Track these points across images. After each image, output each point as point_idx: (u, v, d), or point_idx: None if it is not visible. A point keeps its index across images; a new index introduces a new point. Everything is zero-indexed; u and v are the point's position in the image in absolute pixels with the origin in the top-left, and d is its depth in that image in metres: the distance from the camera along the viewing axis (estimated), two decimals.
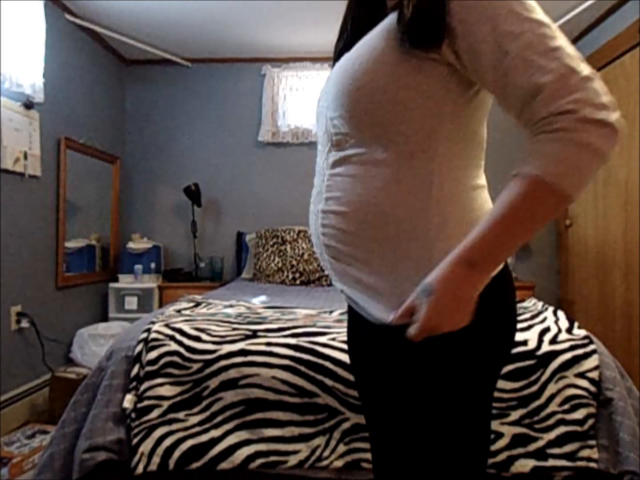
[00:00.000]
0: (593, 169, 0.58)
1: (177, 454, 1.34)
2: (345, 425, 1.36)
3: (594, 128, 0.56)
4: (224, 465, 1.33)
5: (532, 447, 1.33)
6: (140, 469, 1.32)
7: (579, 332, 1.50)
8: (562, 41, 0.61)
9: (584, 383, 1.37)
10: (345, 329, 1.37)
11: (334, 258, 0.75)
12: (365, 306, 0.73)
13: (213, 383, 1.38)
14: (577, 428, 1.34)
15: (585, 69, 0.60)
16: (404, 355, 0.67)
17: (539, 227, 0.61)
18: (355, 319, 0.80)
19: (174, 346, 1.44)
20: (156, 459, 1.33)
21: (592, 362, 1.40)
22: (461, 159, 0.70)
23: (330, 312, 1.87)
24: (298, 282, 3.05)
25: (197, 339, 1.47)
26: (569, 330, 1.51)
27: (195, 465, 1.33)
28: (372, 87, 0.67)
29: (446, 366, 0.66)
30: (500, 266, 0.68)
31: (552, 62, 0.59)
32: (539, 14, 0.61)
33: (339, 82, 0.72)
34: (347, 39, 0.83)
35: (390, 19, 0.69)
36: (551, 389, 1.37)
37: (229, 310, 1.86)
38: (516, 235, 0.60)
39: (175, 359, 1.42)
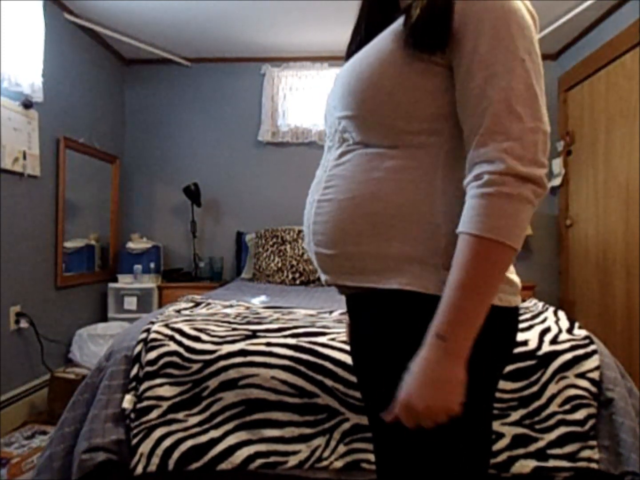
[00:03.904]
0: (528, 218, 0.61)
1: (176, 454, 1.33)
2: (345, 425, 1.35)
3: (520, 182, 0.59)
4: (224, 465, 1.33)
5: (533, 447, 1.33)
6: (139, 469, 1.32)
7: (580, 333, 1.50)
8: (522, 82, 0.61)
9: (584, 383, 1.37)
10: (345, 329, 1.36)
11: (320, 245, 0.75)
12: (348, 283, 0.74)
13: (213, 383, 1.38)
14: (578, 428, 1.34)
15: (529, 119, 0.60)
16: (403, 351, 0.67)
17: (497, 283, 0.61)
18: (354, 317, 0.80)
19: (173, 346, 1.44)
20: (155, 460, 1.33)
21: (592, 362, 1.40)
22: (465, 157, 0.70)
23: (330, 312, 1.87)
24: (298, 282, 3.05)
25: (197, 339, 1.46)
26: (570, 331, 1.51)
27: (194, 465, 1.33)
28: (378, 88, 0.68)
29: None
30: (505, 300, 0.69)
31: (501, 103, 0.60)
32: (522, 43, 0.62)
33: (346, 82, 0.74)
34: (360, 42, 0.84)
35: (399, 21, 0.70)
36: (552, 389, 1.37)
37: (229, 310, 1.86)
38: (477, 299, 0.60)
39: (175, 359, 1.41)
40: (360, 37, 0.86)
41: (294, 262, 3.09)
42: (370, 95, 0.69)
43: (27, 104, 2.37)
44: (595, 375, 1.38)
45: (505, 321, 0.70)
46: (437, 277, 0.66)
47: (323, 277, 0.79)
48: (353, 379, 1.34)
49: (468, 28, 0.62)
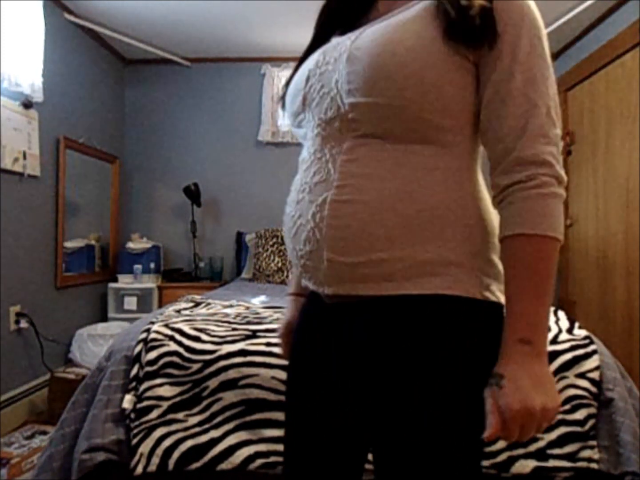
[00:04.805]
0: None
1: (176, 454, 1.33)
2: None
3: (560, 184, 0.64)
4: (224, 465, 1.33)
5: (533, 447, 1.33)
6: (139, 469, 1.32)
7: (580, 333, 1.50)
8: (553, 89, 0.65)
9: (584, 383, 1.37)
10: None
11: (339, 252, 0.67)
12: (370, 292, 0.67)
13: (213, 383, 1.38)
14: (578, 428, 1.34)
15: (558, 125, 0.65)
16: (447, 357, 0.64)
17: (554, 276, 0.64)
18: (349, 326, 0.72)
19: (173, 346, 1.44)
20: (155, 460, 1.33)
21: (592, 362, 1.39)
22: (479, 158, 0.70)
23: None
24: None
25: (197, 339, 1.46)
26: (570, 331, 1.51)
27: (194, 465, 1.33)
28: (421, 77, 0.63)
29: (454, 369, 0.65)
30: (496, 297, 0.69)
31: (543, 108, 0.63)
32: (548, 50, 0.65)
33: (378, 64, 0.64)
34: (330, 13, 0.81)
35: (428, 4, 0.65)
36: None
37: (229, 310, 1.86)
38: (546, 295, 0.63)
39: (175, 359, 1.41)
40: (332, 6, 0.82)
41: None
42: (413, 83, 0.62)
43: (27, 104, 2.37)
44: (595, 375, 1.38)
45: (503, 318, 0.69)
46: (476, 280, 0.66)
47: (327, 289, 0.70)
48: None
49: (507, 29, 0.62)
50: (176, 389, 1.39)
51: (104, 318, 3.16)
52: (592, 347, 1.43)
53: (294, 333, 0.86)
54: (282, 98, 0.87)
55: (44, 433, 2.08)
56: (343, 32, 0.77)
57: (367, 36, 0.68)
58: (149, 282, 3.19)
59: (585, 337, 1.46)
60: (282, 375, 1.37)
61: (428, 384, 0.64)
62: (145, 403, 1.37)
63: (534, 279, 0.62)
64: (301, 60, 0.83)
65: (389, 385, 0.67)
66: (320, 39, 0.82)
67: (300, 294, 0.93)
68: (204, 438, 1.35)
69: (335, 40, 0.75)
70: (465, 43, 0.62)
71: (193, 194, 3.34)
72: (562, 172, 0.63)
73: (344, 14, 0.81)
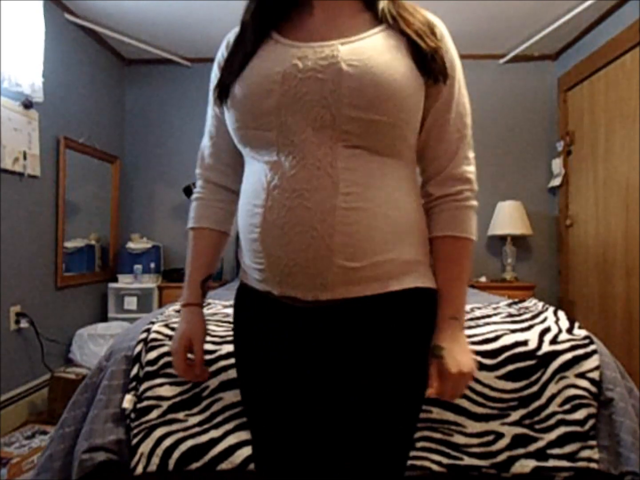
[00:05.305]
0: None
1: (176, 454, 1.33)
2: None
3: (476, 198, 0.82)
4: (224, 465, 1.33)
5: (533, 447, 1.33)
6: (139, 469, 1.32)
7: (580, 332, 1.50)
8: (470, 119, 0.82)
9: (584, 383, 1.37)
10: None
11: (347, 258, 0.70)
12: (362, 293, 0.73)
13: (213, 383, 1.38)
14: (578, 428, 1.34)
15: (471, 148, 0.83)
16: (428, 339, 0.78)
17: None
18: (341, 326, 0.75)
19: None
20: (156, 460, 1.33)
21: (592, 362, 1.39)
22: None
23: None
24: None
25: None
26: (570, 331, 1.51)
27: (194, 465, 1.33)
28: (411, 101, 0.73)
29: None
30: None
31: (467, 137, 0.81)
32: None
33: (381, 85, 0.69)
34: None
35: (392, 31, 0.75)
36: (552, 389, 1.37)
37: (229, 310, 1.86)
38: (467, 282, 0.82)
39: None
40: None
41: None
42: (407, 105, 0.73)
43: (27, 104, 2.38)
44: (595, 375, 1.38)
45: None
46: (431, 274, 0.81)
47: (323, 294, 0.72)
48: None
49: (451, 66, 0.77)
50: (176, 389, 1.39)
51: (104, 318, 3.16)
52: (592, 347, 1.43)
53: (251, 341, 0.84)
54: (223, 90, 0.85)
55: (44, 433, 2.08)
56: (279, 32, 0.78)
57: (361, 53, 0.71)
58: (149, 282, 3.19)
59: (585, 337, 1.46)
60: None
61: (419, 358, 0.77)
62: (145, 403, 1.37)
63: (460, 270, 0.80)
64: (245, 57, 0.78)
65: (384, 377, 0.75)
66: (259, 36, 0.79)
67: (198, 304, 0.95)
68: (204, 438, 1.35)
69: (308, 47, 0.73)
70: (431, 77, 0.74)
71: (193, 194, 3.34)
72: (477, 187, 0.82)
73: (278, 13, 0.80)
